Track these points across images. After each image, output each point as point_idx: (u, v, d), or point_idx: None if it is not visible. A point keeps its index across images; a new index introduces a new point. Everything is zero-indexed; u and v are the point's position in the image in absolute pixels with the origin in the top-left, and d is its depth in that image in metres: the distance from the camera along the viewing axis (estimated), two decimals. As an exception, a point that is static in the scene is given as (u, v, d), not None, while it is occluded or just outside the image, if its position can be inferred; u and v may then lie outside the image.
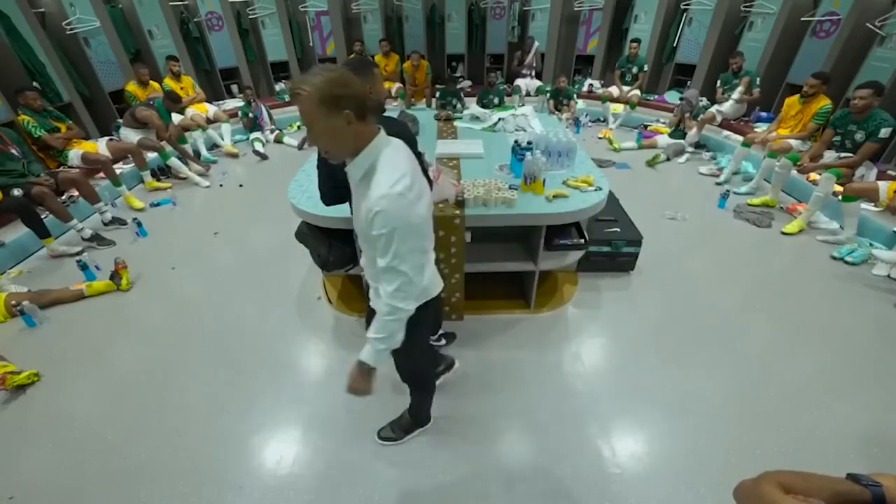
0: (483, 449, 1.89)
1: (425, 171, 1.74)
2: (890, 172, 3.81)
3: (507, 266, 2.50)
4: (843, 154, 3.43)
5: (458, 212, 2.16)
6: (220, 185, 4.60)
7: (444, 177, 2.17)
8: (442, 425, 1.97)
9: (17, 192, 3.16)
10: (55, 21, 4.81)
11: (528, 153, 2.37)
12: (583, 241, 2.49)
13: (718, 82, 5.27)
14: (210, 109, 5.61)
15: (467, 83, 7.36)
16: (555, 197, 2.31)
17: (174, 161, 4.59)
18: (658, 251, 3.12)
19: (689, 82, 6.24)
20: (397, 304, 1.17)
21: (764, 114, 5.24)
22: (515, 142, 2.59)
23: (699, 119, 5.00)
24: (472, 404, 2.09)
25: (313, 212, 2.16)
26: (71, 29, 4.83)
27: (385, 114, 1.73)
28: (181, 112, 5.16)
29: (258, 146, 5.38)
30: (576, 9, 6.98)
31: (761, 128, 4.58)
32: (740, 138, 4.42)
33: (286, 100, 6.75)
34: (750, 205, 3.86)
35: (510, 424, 2.00)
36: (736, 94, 4.98)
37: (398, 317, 1.19)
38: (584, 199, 2.30)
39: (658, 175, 4.76)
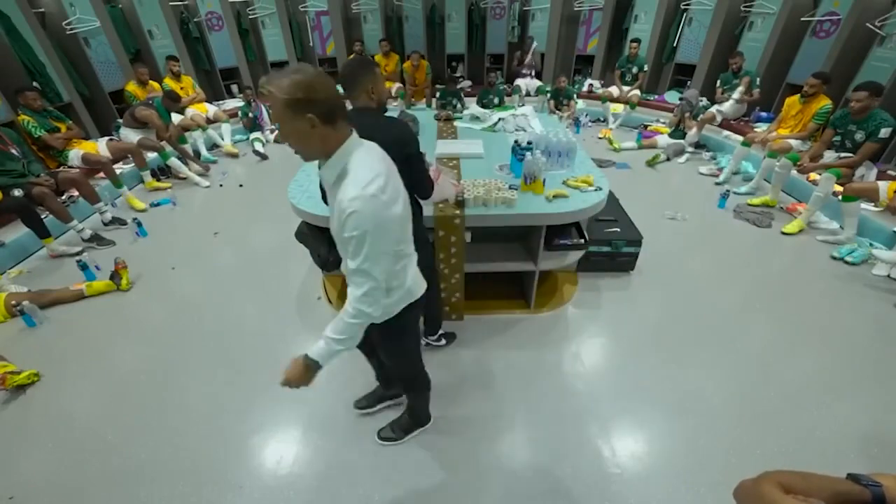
0: (483, 449, 1.89)
1: (422, 172, 1.74)
2: (890, 172, 3.81)
3: (507, 266, 2.50)
4: (843, 154, 3.43)
5: (458, 212, 2.16)
6: (220, 185, 4.60)
7: (444, 177, 2.17)
8: (442, 425, 1.97)
9: (17, 192, 3.16)
10: (55, 21, 4.82)
11: (528, 153, 2.37)
12: (583, 241, 2.49)
13: (718, 82, 5.27)
14: (210, 109, 5.61)
15: (467, 83, 7.36)
16: (555, 197, 2.30)
17: (174, 161, 4.59)
18: (658, 251, 3.12)
19: (689, 82, 6.24)
20: (363, 308, 1.15)
21: (764, 114, 5.24)
22: (515, 142, 2.59)
23: (699, 119, 5.00)
24: (472, 404, 2.09)
25: (313, 212, 2.16)
26: (71, 29, 4.83)
27: (386, 114, 1.72)
28: (181, 112, 5.16)
29: (258, 146, 5.38)
30: (576, 9, 6.99)
31: (761, 128, 4.58)
32: (740, 138, 4.42)
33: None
34: (750, 205, 3.86)
35: (510, 424, 2.00)
36: (736, 95, 4.98)
37: (361, 321, 1.17)
38: (584, 199, 2.30)
39: (658, 175, 4.76)
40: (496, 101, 5.13)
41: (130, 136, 4.40)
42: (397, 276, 1.29)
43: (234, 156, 5.38)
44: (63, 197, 3.66)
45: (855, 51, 4.57)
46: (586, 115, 6.35)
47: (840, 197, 3.20)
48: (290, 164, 4.97)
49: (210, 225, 3.74)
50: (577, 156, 2.80)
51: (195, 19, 6.26)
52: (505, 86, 6.36)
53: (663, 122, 5.78)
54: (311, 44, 7.49)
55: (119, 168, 4.28)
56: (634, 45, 5.99)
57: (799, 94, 3.92)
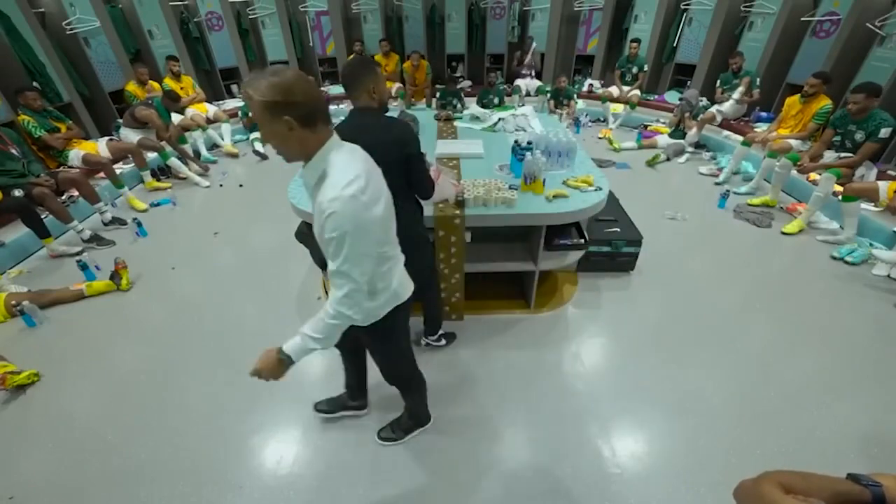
0: (483, 449, 1.89)
1: (422, 172, 1.74)
2: (890, 172, 3.81)
3: (507, 266, 2.50)
4: (842, 154, 3.43)
5: (458, 212, 2.16)
6: (220, 185, 4.60)
7: (444, 177, 2.17)
8: (442, 425, 1.97)
9: (17, 192, 3.16)
10: (55, 21, 4.82)
11: (528, 153, 2.37)
12: (583, 241, 2.49)
13: (718, 82, 5.26)
14: (210, 109, 5.61)
15: (467, 83, 7.36)
16: (555, 197, 2.31)
17: (174, 161, 4.59)
18: (658, 251, 3.12)
19: (689, 82, 6.24)
20: (343, 310, 1.14)
21: (764, 114, 5.24)
22: (515, 142, 2.59)
23: (699, 119, 5.00)
24: (472, 404, 2.09)
25: (313, 212, 2.15)
26: (71, 29, 4.83)
27: (387, 113, 1.72)
28: (181, 112, 5.16)
29: (258, 146, 5.38)
30: (576, 9, 6.99)
31: (761, 128, 4.58)
32: (740, 138, 4.42)
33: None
34: (750, 205, 3.86)
35: (510, 424, 2.00)
36: (736, 95, 4.98)
37: (340, 323, 1.16)
38: (584, 199, 2.30)
39: (658, 175, 4.76)
40: (496, 101, 5.13)
41: (130, 136, 4.40)
42: (383, 279, 1.28)
43: (235, 156, 5.38)
44: (63, 197, 3.66)
45: (855, 51, 4.57)
46: (586, 115, 6.35)
47: (840, 197, 3.20)
48: (289, 164, 4.97)
49: (210, 225, 3.74)
50: (577, 156, 2.80)
51: (195, 19, 6.26)
52: (505, 86, 6.36)
53: (663, 122, 5.78)
54: (311, 44, 7.49)
55: (119, 168, 4.28)
56: (634, 45, 5.98)
57: (799, 94, 3.92)
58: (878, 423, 1.95)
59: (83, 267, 2.93)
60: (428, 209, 2.10)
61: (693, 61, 6.19)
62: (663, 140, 5.22)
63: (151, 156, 4.57)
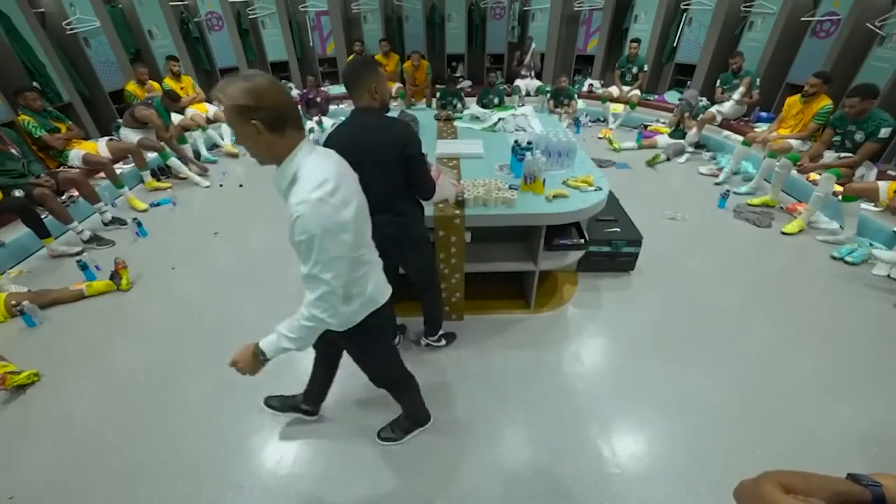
0: (483, 449, 1.89)
1: (423, 173, 1.74)
2: (890, 172, 3.82)
3: (507, 266, 2.50)
4: (842, 154, 3.43)
5: (458, 212, 2.16)
6: (220, 185, 4.60)
7: (444, 177, 2.17)
8: (441, 425, 1.97)
9: (18, 192, 3.16)
10: (55, 21, 4.82)
11: (528, 153, 2.38)
12: (583, 241, 2.50)
13: (718, 82, 5.26)
14: (210, 109, 5.61)
15: (467, 83, 7.36)
16: (555, 197, 2.31)
17: (174, 161, 4.59)
18: (658, 251, 3.12)
19: (689, 82, 6.24)
20: (317, 313, 1.15)
21: (764, 114, 5.24)
22: (515, 142, 2.59)
23: (699, 119, 5.00)
24: (472, 404, 2.09)
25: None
26: (71, 29, 4.83)
27: (388, 113, 1.72)
28: (181, 112, 5.16)
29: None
30: (576, 9, 6.99)
31: (761, 128, 4.58)
32: (740, 138, 4.42)
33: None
34: (750, 205, 3.86)
35: (510, 424, 2.00)
36: (737, 95, 4.98)
37: (315, 325, 1.17)
38: (584, 199, 2.30)
39: (658, 175, 4.76)
40: (496, 101, 5.13)
41: (130, 136, 4.40)
42: (357, 284, 1.27)
43: (234, 156, 5.38)
44: (63, 197, 3.66)
45: (855, 51, 4.57)
46: (586, 115, 6.35)
47: (840, 197, 3.20)
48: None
49: (210, 225, 3.74)
50: (577, 156, 2.80)
51: (195, 19, 6.27)
52: (505, 86, 6.36)
53: (663, 122, 5.78)
54: (311, 44, 7.49)
55: (119, 168, 4.28)
56: (634, 45, 5.98)
57: (800, 94, 3.91)
58: (878, 423, 1.95)
59: (83, 267, 2.93)
60: (428, 209, 2.10)
61: (693, 61, 6.19)
62: (663, 140, 5.22)
63: (151, 156, 4.57)
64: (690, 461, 1.81)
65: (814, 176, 3.79)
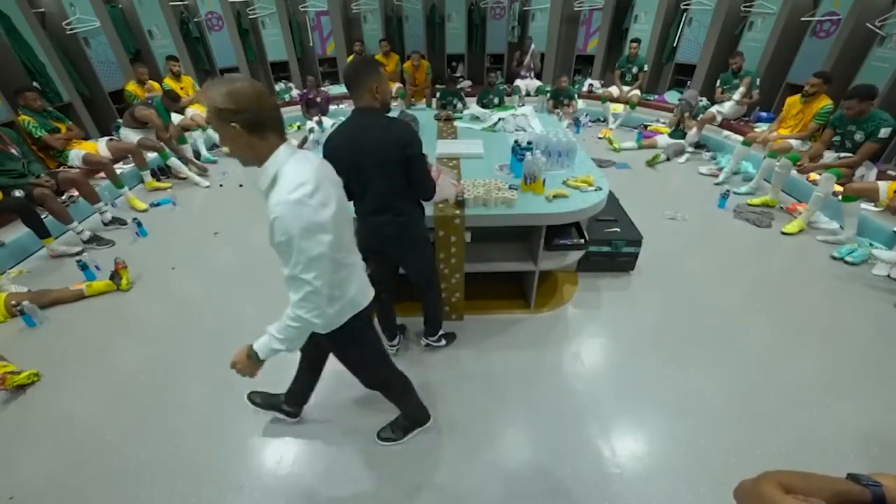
0: (483, 449, 1.89)
1: (423, 173, 1.74)
2: (890, 172, 3.81)
3: (507, 266, 2.50)
4: (842, 154, 3.43)
5: (458, 212, 2.16)
6: (220, 185, 4.60)
7: (444, 177, 2.17)
8: (441, 425, 1.97)
9: (18, 192, 3.16)
10: (55, 21, 4.82)
11: (528, 153, 2.37)
12: (583, 241, 2.49)
13: (718, 82, 5.26)
14: (210, 109, 5.60)
15: (467, 83, 7.36)
16: (555, 197, 2.31)
17: (174, 161, 4.59)
18: (658, 251, 3.12)
19: (689, 82, 6.24)
20: (301, 313, 1.17)
21: (764, 114, 5.24)
22: (515, 142, 2.59)
23: (699, 119, 5.00)
24: (471, 404, 2.09)
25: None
26: (71, 29, 4.83)
27: (388, 114, 1.72)
28: (181, 112, 5.16)
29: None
30: (576, 9, 6.98)
31: (761, 128, 4.58)
32: (740, 138, 4.42)
33: (286, 100, 6.76)
34: (750, 205, 3.86)
35: (510, 424, 2.00)
36: (737, 96, 4.98)
37: (301, 326, 1.19)
38: (584, 199, 2.30)
39: (658, 175, 4.76)
40: (496, 101, 5.13)
41: (130, 136, 4.40)
42: (339, 286, 1.28)
43: (234, 156, 5.37)
44: (63, 197, 3.66)
45: (855, 51, 4.57)
46: (586, 115, 6.35)
47: (840, 197, 3.20)
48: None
49: (210, 225, 3.74)
50: (577, 156, 2.80)
51: (195, 19, 6.26)
52: (505, 86, 6.36)
53: (663, 122, 5.78)
54: (311, 44, 7.49)
55: (119, 168, 4.28)
56: (634, 45, 5.98)
57: (800, 94, 3.91)
58: (878, 423, 1.95)
59: (83, 267, 2.93)
60: (428, 209, 2.10)
61: (693, 61, 6.19)
62: (663, 140, 5.22)
63: (151, 156, 4.57)
64: (690, 461, 1.81)
65: (814, 176, 3.79)
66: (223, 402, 2.11)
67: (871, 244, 3.18)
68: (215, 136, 5.47)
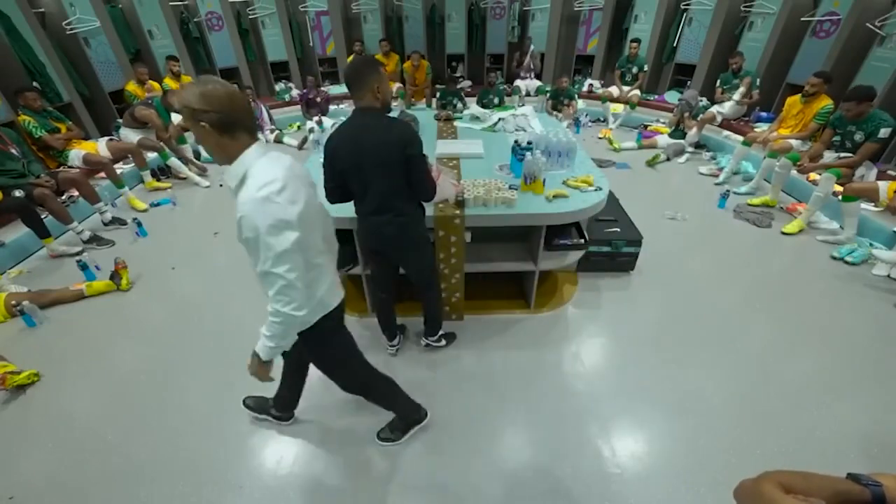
0: (483, 449, 1.89)
1: (422, 173, 1.73)
2: (890, 172, 3.81)
3: (507, 266, 2.50)
4: (842, 154, 3.43)
5: (458, 212, 2.16)
6: (220, 185, 4.60)
7: (444, 177, 2.17)
8: (441, 425, 1.97)
9: (18, 192, 3.16)
10: (55, 21, 4.82)
11: (528, 153, 2.37)
12: (583, 241, 2.49)
13: (718, 82, 5.26)
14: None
15: (467, 83, 7.36)
16: (555, 197, 2.31)
17: (174, 161, 4.59)
18: (658, 251, 3.12)
19: (689, 82, 6.24)
20: (279, 307, 1.18)
21: (764, 114, 5.24)
22: (515, 142, 2.59)
23: (699, 119, 5.00)
24: (471, 404, 2.09)
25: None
26: (71, 29, 4.83)
27: (389, 114, 1.72)
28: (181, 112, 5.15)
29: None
30: (576, 9, 6.98)
31: (761, 128, 4.58)
32: (740, 138, 4.43)
33: (286, 100, 6.76)
34: (750, 205, 3.86)
35: (510, 424, 2.00)
36: (737, 96, 4.98)
37: (283, 320, 1.20)
38: (584, 199, 2.30)
39: (658, 175, 4.76)
40: (496, 101, 5.13)
41: (130, 136, 4.40)
42: (308, 286, 1.27)
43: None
44: (63, 197, 3.66)
45: (855, 51, 4.57)
46: (586, 115, 6.35)
47: (840, 197, 3.20)
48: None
49: (210, 225, 3.73)
50: (577, 156, 2.80)
51: (195, 19, 6.26)
52: (505, 86, 6.36)
53: (663, 122, 5.78)
54: (311, 44, 7.48)
55: (119, 168, 4.28)
56: (634, 45, 5.98)
57: (800, 94, 3.91)
58: (878, 423, 1.95)
59: (83, 267, 2.94)
60: (428, 209, 2.09)
61: (693, 61, 6.18)
62: (663, 140, 5.22)
63: (151, 156, 4.57)
64: (690, 461, 1.81)
65: (814, 176, 3.79)
66: (223, 402, 2.11)
67: (871, 244, 3.18)
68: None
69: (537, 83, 6.75)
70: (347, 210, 1.91)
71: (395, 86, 6.63)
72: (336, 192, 1.79)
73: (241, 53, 6.69)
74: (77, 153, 3.92)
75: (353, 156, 1.66)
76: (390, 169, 1.67)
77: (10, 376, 2.15)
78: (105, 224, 3.71)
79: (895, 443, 1.87)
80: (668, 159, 5.02)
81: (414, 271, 2.06)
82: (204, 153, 5.21)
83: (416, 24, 7.47)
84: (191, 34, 6.28)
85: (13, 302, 2.62)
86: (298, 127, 6.30)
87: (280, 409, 1.96)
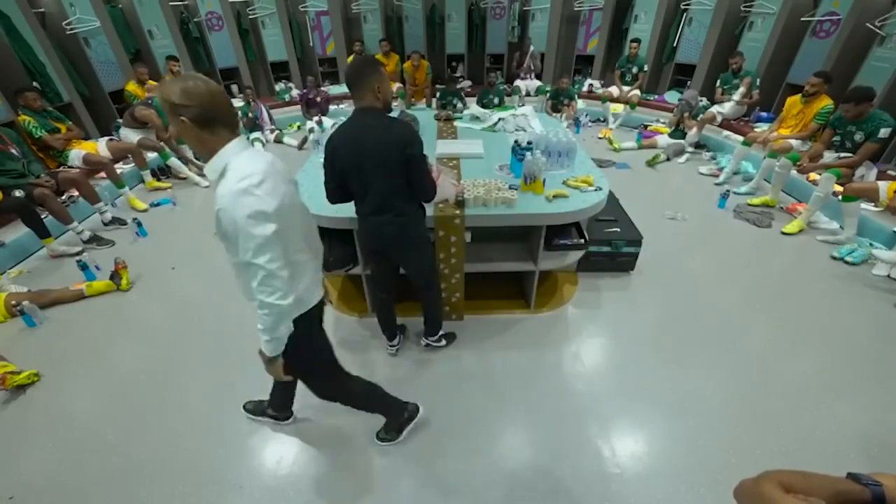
0: (483, 449, 1.89)
1: (422, 174, 1.73)
2: (890, 172, 3.81)
3: (507, 266, 2.50)
4: (842, 154, 3.43)
5: (458, 212, 2.16)
6: (220, 185, 4.60)
7: (444, 177, 2.17)
8: (441, 425, 1.97)
9: (18, 192, 3.16)
10: (55, 21, 4.82)
11: (528, 153, 2.37)
12: (583, 241, 2.49)
13: (718, 82, 5.26)
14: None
15: (467, 83, 7.36)
16: (555, 197, 2.31)
17: (174, 161, 4.60)
18: (658, 251, 3.12)
19: (689, 82, 6.24)
20: (263, 298, 1.19)
21: (764, 114, 5.24)
22: (515, 142, 2.59)
23: (699, 119, 5.00)
24: (471, 404, 2.09)
25: (313, 211, 2.14)
26: (71, 29, 4.83)
27: (389, 114, 1.72)
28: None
29: (258, 146, 5.35)
30: (576, 9, 6.98)
31: (761, 128, 4.58)
32: (740, 138, 4.43)
33: (286, 100, 6.76)
34: (750, 205, 3.86)
35: (510, 424, 2.00)
36: (737, 96, 4.98)
37: (270, 311, 1.21)
38: (584, 199, 2.30)
39: (658, 175, 4.76)
40: (496, 101, 5.13)
41: (130, 136, 4.41)
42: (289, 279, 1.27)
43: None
44: (63, 197, 3.66)
45: (855, 51, 4.57)
46: (586, 115, 6.35)
47: (840, 197, 3.20)
48: (289, 164, 4.95)
49: (210, 225, 3.66)
50: (577, 156, 2.80)
51: (195, 19, 6.26)
52: (505, 86, 6.36)
53: (663, 122, 5.78)
54: (311, 44, 7.48)
55: (119, 168, 4.28)
56: (634, 45, 5.98)
57: (800, 94, 3.91)
58: (878, 423, 1.95)
59: (83, 267, 2.94)
60: (428, 209, 2.09)
61: (693, 61, 6.18)
62: (663, 140, 5.22)
63: (151, 156, 4.57)
64: (690, 461, 1.81)
65: (814, 176, 3.79)
66: (223, 402, 2.11)
67: (871, 244, 3.18)
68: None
69: (537, 83, 6.75)
70: (347, 210, 1.91)
71: (395, 86, 6.63)
72: (336, 193, 1.79)
73: (241, 53, 6.69)
74: (77, 153, 3.92)
75: (353, 156, 1.66)
76: (390, 169, 1.67)
77: (10, 376, 2.15)
78: (105, 224, 3.71)
79: (895, 443, 1.87)
80: (668, 159, 5.02)
81: (414, 271, 2.06)
82: (204, 153, 5.22)
83: (416, 24, 7.47)
84: (191, 34, 6.28)
85: (13, 302, 2.62)
86: (298, 127, 6.30)
87: (276, 409, 1.97)
